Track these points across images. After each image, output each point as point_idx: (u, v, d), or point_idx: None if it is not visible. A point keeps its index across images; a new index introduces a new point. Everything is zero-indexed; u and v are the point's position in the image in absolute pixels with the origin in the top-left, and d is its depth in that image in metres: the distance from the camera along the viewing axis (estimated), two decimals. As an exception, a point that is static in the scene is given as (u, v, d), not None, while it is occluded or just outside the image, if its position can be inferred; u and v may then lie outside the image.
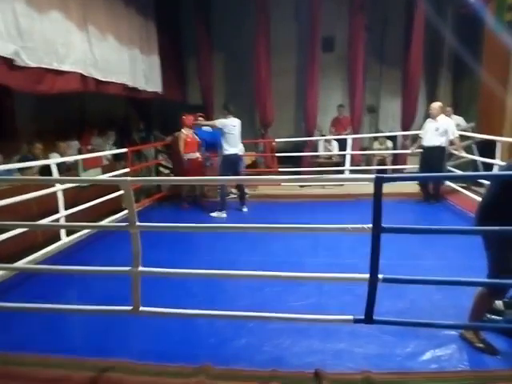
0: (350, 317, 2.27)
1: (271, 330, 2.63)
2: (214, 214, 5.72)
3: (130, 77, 6.30)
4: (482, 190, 5.62)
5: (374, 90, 8.88)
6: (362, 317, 2.23)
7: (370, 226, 2.07)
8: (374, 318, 2.22)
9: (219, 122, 5.77)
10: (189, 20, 8.49)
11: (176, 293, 3.16)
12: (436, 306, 2.85)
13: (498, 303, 2.69)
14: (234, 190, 6.76)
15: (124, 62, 6.15)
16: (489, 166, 5.61)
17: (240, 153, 6.04)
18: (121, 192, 5.50)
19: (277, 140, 7.81)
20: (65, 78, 4.77)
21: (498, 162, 5.18)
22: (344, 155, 7.49)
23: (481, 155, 6.14)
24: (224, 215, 5.71)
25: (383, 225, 2.04)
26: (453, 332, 2.55)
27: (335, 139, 7.97)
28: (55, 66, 4.54)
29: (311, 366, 2.27)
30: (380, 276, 2.12)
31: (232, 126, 5.70)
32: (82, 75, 5.08)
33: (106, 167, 5.88)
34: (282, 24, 8.38)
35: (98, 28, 5.39)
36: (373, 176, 2.03)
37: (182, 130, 6.13)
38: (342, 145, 7.76)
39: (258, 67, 8.01)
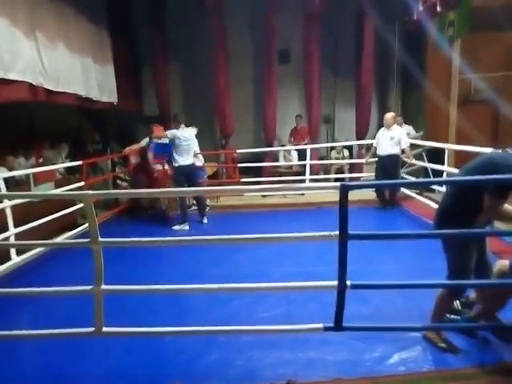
0: (320, 325, 2.29)
1: (242, 344, 2.59)
2: (176, 228, 5.59)
3: (82, 87, 6.07)
4: (434, 196, 5.96)
5: (329, 100, 9.18)
6: (332, 324, 2.25)
7: (337, 233, 2.10)
8: (344, 325, 2.25)
9: (169, 133, 5.60)
10: (143, 30, 8.36)
11: (140, 310, 3.03)
12: (399, 310, 2.94)
13: (456, 303, 2.83)
14: (195, 202, 6.67)
15: (76, 71, 5.92)
16: (438, 172, 5.95)
17: (198, 163, 5.96)
18: (75, 207, 5.26)
19: (238, 151, 7.82)
20: (11, 87, 4.50)
21: (446, 168, 5.52)
22: (304, 165, 7.65)
23: (430, 162, 6.52)
24: (186, 227, 5.59)
25: (350, 232, 2.08)
26: (417, 334, 2.64)
27: (295, 149, 8.12)
28: (1, 74, 4.27)
29: (284, 377, 2.25)
30: (348, 282, 2.15)
31: (183, 137, 5.55)
32: (30, 84, 4.82)
33: (59, 181, 5.58)
34: (238, 34, 8.46)
35: (47, 36, 5.15)
36: (338, 184, 2.07)
37: (153, 139, 6.02)
38: (302, 154, 7.93)
39: (216, 77, 8.02)
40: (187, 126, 5.83)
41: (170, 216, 6.15)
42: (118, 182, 7.40)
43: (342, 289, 2.16)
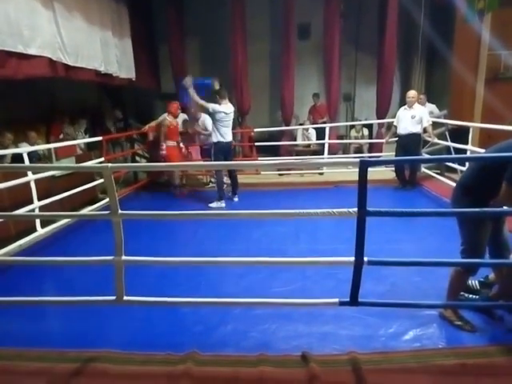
0: (336, 299, 2.30)
1: (257, 316, 2.64)
2: (213, 205, 5.54)
3: (102, 62, 6.07)
4: (455, 176, 5.82)
5: (349, 77, 8.95)
6: (348, 299, 2.26)
7: (356, 209, 2.09)
8: (359, 300, 2.25)
9: (212, 107, 5.41)
10: (161, 6, 8.24)
11: (159, 283, 3.11)
12: (416, 288, 2.93)
13: (474, 283, 2.80)
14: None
15: (95, 45, 5.92)
16: (461, 152, 5.78)
17: (232, 141, 5.86)
18: (95, 183, 5.36)
19: (255, 130, 7.76)
20: (31, 62, 4.53)
21: (470, 147, 5.36)
22: (322, 144, 7.55)
23: (453, 142, 6.33)
24: (223, 204, 5.55)
25: (368, 208, 2.06)
26: (433, 311, 2.63)
27: (313, 128, 8.01)
28: (20, 49, 4.31)
29: (298, 349, 2.29)
30: (365, 259, 2.14)
31: (225, 113, 5.39)
32: (49, 60, 4.84)
33: (79, 156, 5.68)
34: (256, 9, 8.27)
35: (66, 8, 5.12)
36: (357, 160, 2.04)
37: (167, 116, 5.99)
38: (320, 133, 7.82)
39: (234, 54, 7.91)
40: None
41: (183, 193, 6.19)
42: (137, 158, 7.49)
43: (358, 264, 2.16)
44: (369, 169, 2.02)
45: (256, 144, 7.67)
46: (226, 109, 5.45)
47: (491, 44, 7.17)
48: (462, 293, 2.66)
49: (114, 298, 2.34)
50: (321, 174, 7.48)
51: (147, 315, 2.67)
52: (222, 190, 5.64)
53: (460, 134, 6.07)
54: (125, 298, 2.34)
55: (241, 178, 7.33)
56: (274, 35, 8.51)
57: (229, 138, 5.56)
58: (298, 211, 2.44)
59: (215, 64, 8.60)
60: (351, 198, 2.11)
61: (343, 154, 8.42)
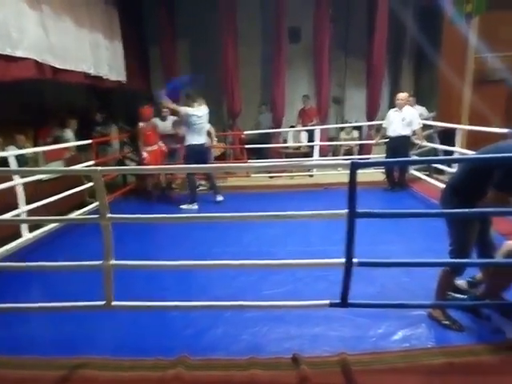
0: (327, 301, 2.31)
1: (248, 319, 2.64)
2: (184, 206, 5.61)
3: (91, 64, 6.02)
4: (443, 178, 5.90)
5: (339, 80, 9.01)
6: (338, 301, 2.27)
7: (345, 211, 2.10)
8: (349, 301, 2.27)
9: (184, 110, 5.51)
10: (152, 8, 8.22)
11: (149, 287, 3.10)
12: (405, 289, 2.96)
13: (463, 283, 2.84)
14: (203, 183, 6.68)
15: (84, 47, 5.86)
16: (449, 154, 5.87)
17: (207, 144, 5.95)
18: (82, 187, 5.31)
19: (246, 132, 7.76)
20: (18, 64, 4.46)
21: (457, 149, 5.44)
22: (312, 146, 7.59)
23: (441, 143, 6.42)
24: (195, 207, 5.62)
25: (358, 210, 2.08)
26: (421, 312, 2.66)
27: (304, 130, 8.05)
28: (8, 51, 4.25)
29: (289, 351, 2.30)
30: (355, 260, 2.16)
31: (197, 116, 5.48)
32: (36, 62, 4.78)
33: (68, 160, 5.62)
34: (248, 13, 8.29)
35: (53, 9, 5.05)
36: (348, 161, 2.06)
37: (140, 123, 5.97)
38: (310, 136, 7.86)
39: (225, 56, 7.92)
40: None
41: (172, 196, 6.17)
42: (127, 162, 7.43)
43: (348, 266, 2.18)
44: (359, 170, 2.04)
45: (246, 146, 7.68)
46: (199, 111, 5.51)
47: (478, 47, 7.30)
48: (449, 293, 2.70)
49: (102, 303, 2.32)
50: (311, 176, 7.51)
51: (137, 320, 2.65)
52: (193, 192, 5.68)
53: (448, 136, 6.16)
54: (114, 303, 2.32)
55: (231, 181, 7.37)
56: (265, 38, 8.54)
57: (202, 140, 5.59)
58: (288, 213, 2.46)
59: (206, 67, 8.58)
60: (341, 199, 2.13)
61: (333, 156, 8.46)
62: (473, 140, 5.92)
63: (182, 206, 5.62)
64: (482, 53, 7.23)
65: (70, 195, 4.92)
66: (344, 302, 2.27)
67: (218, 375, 2.12)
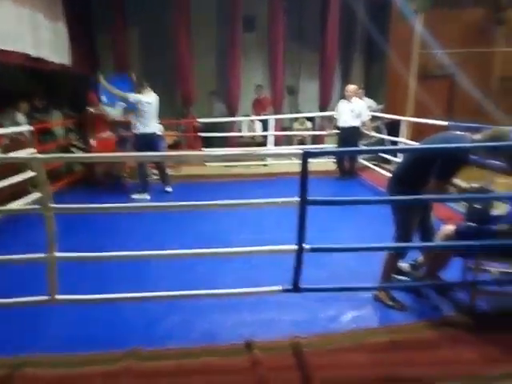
0: (279, 287, 2.37)
1: (203, 307, 2.64)
2: (135, 196, 5.45)
3: (31, 45, 5.60)
4: (390, 167, 6.20)
5: (293, 71, 9.11)
6: (290, 286, 2.34)
7: (297, 198, 2.15)
8: (301, 286, 2.34)
9: (133, 97, 5.32)
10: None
11: (100, 279, 2.98)
12: (353, 272, 3.09)
13: (405, 265, 3.02)
14: (155, 171, 6.52)
15: (24, 27, 5.43)
16: (395, 144, 6.17)
17: (158, 132, 5.80)
18: (20, 178, 4.96)
19: (199, 120, 7.65)
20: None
21: (402, 140, 5.74)
22: (266, 136, 7.64)
23: (388, 134, 6.73)
24: (147, 197, 5.47)
25: (309, 197, 2.14)
26: (368, 294, 2.80)
27: (259, 120, 8.07)
28: None
29: (242, 338, 2.33)
30: (307, 246, 2.22)
31: (147, 102, 5.31)
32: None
33: (7, 147, 5.22)
34: (201, 0, 8.10)
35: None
36: (300, 150, 2.10)
37: (90, 108, 5.69)
38: (265, 126, 7.91)
39: (178, 44, 7.70)
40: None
41: (127, 185, 5.98)
42: (73, 150, 7.05)
43: (300, 251, 2.24)
44: (311, 160, 2.09)
45: (201, 135, 7.57)
46: (148, 98, 5.36)
47: (423, 42, 7.68)
48: (394, 275, 2.86)
49: (46, 297, 2.21)
50: (265, 165, 7.58)
51: (87, 314, 2.55)
52: (145, 182, 5.54)
53: (395, 128, 6.47)
54: (57, 296, 2.22)
55: (186, 170, 7.25)
56: (220, 27, 8.41)
57: (152, 128, 5.45)
58: (241, 201, 2.48)
59: (159, 54, 8.31)
60: (294, 188, 2.17)
61: (287, 145, 8.58)
62: (417, 131, 6.26)
63: (132, 196, 5.45)
64: (427, 48, 7.63)
65: (8, 186, 4.58)
66: (296, 287, 2.34)
67: (169, 365, 2.10)
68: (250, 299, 2.72)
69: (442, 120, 5.10)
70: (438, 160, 2.33)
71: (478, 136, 2.39)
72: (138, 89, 5.45)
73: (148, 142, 5.37)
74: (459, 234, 2.57)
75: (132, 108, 5.69)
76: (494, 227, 2.49)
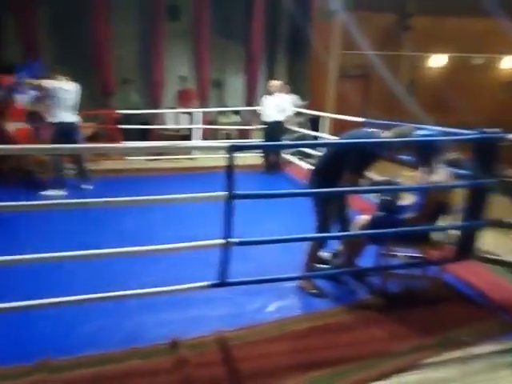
0: (206, 283, 2.35)
1: (125, 309, 2.52)
2: (50, 193, 4.98)
3: None
4: (312, 162, 6.49)
5: (219, 64, 9.05)
6: (217, 281, 2.33)
7: (224, 193, 2.15)
8: (228, 280, 2.35)
9: (48, 84, 4.88)
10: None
11: (3, 286, 2.68)
12: (278, 264, 3.16)
13: (326, 255, 3.19)
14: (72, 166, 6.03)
15: None
16: (318, 139, 6.48)
17: (77, 122, 5.37)
18: None
19: (120, 111, 7.24)
20: None
21: (324, 135, 6.04)
22: (191, 129, 7.50)
23: (311, 130, 7.03)
24: (62, 193, 5.04)
25: (235, 192, 2.14)
26: (292, 284, 2.91)
27: (184, 112, 7.89)
28: None
29: (168, 337, 2.27)
30: (233, 240, 2.23)
31: (64, 90, 4.92)
32: None
33: None
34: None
35: None
36: (226, 144, 2.09)
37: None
38: (190, 118, 7.76)
39: (95, 29, 7.17)
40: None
41: (41, 180, 5.46)
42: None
43: (227, 246, 2.24)
44: (238, 154, 2.09)
45: (122, 127, 7.18)
46: (67, 86, 4.99)
47: (343, 43, 8.13)
48: (316, 264, 3.01)
49: None
50: (191, 159, 7.46)
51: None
52: (60, 176, 5.15)
53: (317, 123, 6.78)
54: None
55: (105, 164, 6.82)
56: (142, 13, 8.01)
57: (71, 118, 5.08)
58: (166, 197, 2.40)
59: (75, 39, 7.67)
60: (222, 182, 2.15)
61: (213, 139, 8.53)
62: (339, 127, 6.64)
63: (45, 193, 4.99)
64: (346, 49, 8.10)
65: None
66: (223, 282, 2.34)
67: (90, 372, 1.97)
68: (176, 297, 2.65)
69: (359, 117, 5.46)
70: (351, 154, 2.50)
71: (386, 133, 2.61)
72: (53, 76, 5.01)
73: (66, 132, 4.95)
74: (372, 224, 2.78)
75: (44, 96, 5.18)
76: (401, 216, 2.74)
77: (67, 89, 4.99)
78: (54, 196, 4.94)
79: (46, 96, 5.21)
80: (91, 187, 5.40)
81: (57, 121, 4.95)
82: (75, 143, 5.08)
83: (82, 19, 7.35)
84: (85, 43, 7.40)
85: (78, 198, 4.59)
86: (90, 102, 7.93)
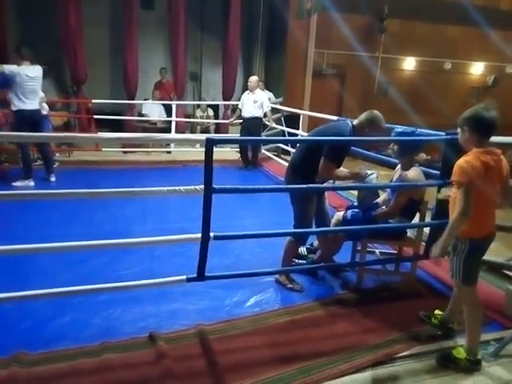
0: (183, 276, 2.32)
1: (100, 303, 2.46)
2: (18, 184, 4.79)
3: None
4: (289, 158, 6.54)
5: (196, 57, 8.95)
6: (195, 275, 2.31)
7: (202, 187, 2.13)
8: (206, 274, 2.33)
9: (7, 68, 4.62)
10: None
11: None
12: (257, 258, 3.21)
13: (303, 250, 3.23)
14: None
15: None
16: (294, 136, 6.53)
17: (43, 111, 5.16)
18: None
19: (94, 101, 7.01)
20: None
21: (300, 131, 6.10)
22: (169, 121, 7.38)
23: (287, 127, 7.08)
24: (31, 183, 4.85)
25: (214, 186, 2.13)
26: (270, 278, 2.93)
27: (161, 104, 7.74)
28: None
29: (145, 331, 2.24)
30: (211, 234, 2.22)
31: (27, 75, 4.67)
32: None
33: None
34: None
35: None
36: (204, 137, 2.07)
37: None
38: (167, 110, 7.62)
39: (64, 12, 6.83)
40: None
41: (5, 170, 5.24)
42: None
43: (205, 240, 2.22)
44: (216, 149, 2.08)
45: (96, 117, 6.96)
46: (29, 71, 4.74)
47: (317, 42, 8.23)
48: (293, 259, 3.04)
49: None
50: (168, 152, 7.35)
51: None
52: (28, 167, 4.96)
53: (293, 120, 6.83)
54: None
55: (77, 155, 6.62)
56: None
57: (34, 105, 4.85)
58: (144, 189, 2.36)
59: (42, 24, 7.34)
60: (199, 176, 2.13)
61: (190, 133, 8.44)
62: (313, 124, 6.71)
63: (14, 184, 4.79)
64: (321, 48, 8.21)
65: None
66: (201, 276, 2.32)
67: (64, 367, 1.92)
68: (154, 291, 2.62)
69: (333, 114, 5.54)
70: (326, 146, 2.55)
71: (356, 120, 2.68)
72: (15, 60, 4.77)
73: (29, 120, 4.74)
74: (348, 220, 2.84)
75: (7, 82, 4.94)
76: (375, 213, 2.80)
77: (31, 75, 4.74)
78: (23, 186, 4.76)
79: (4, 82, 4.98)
80: (53, 179, 5.22)
81: (15, 109, 4.72)
82: (41, 131, 4.87)
83: (52, 2, 7.03)
84: (55, 25, 7.09)
85: (47, 189, 4.47)
86: (61, 90, 7.69)
